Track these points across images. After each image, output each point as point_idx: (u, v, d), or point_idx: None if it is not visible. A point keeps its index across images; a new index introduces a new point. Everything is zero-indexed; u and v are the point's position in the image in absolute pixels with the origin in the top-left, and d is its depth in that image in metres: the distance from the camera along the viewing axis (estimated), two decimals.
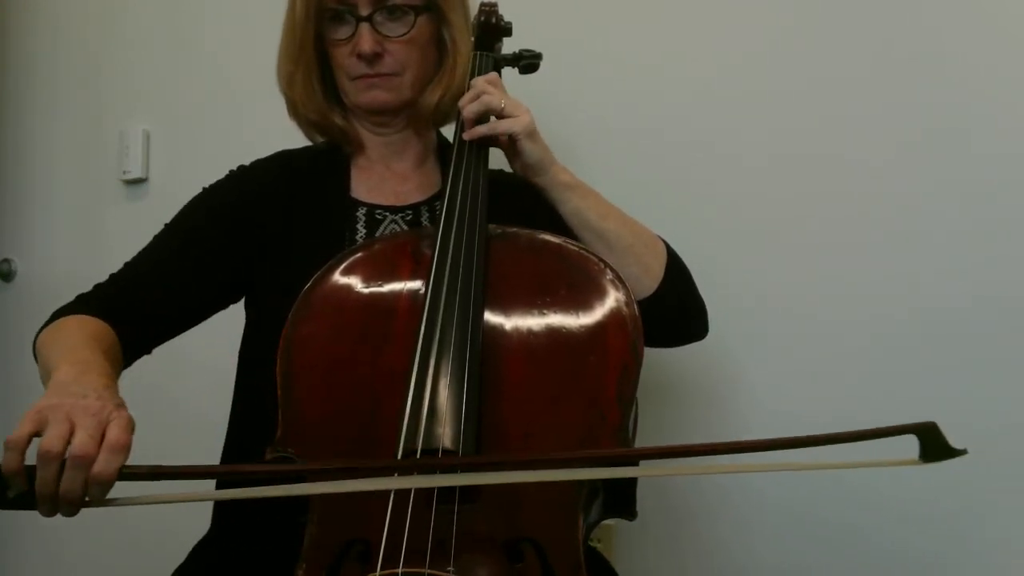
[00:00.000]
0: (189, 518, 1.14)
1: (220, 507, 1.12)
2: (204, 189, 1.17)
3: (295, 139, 1.23)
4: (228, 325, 1.17)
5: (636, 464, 0.94)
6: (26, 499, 0.75)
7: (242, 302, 1.17)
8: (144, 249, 1.12)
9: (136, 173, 1.98)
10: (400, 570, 0.79)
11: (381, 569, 0.79)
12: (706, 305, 1.12)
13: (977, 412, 1.26)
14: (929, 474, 1.27)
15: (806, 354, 1.39)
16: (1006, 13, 1.28)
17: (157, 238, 1.13)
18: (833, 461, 0.76)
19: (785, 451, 0.75)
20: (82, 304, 1.04)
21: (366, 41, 1.09)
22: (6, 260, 2.18)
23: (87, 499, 0.75)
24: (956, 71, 1.30)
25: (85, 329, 0.98)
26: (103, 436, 0.75)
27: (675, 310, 1.08)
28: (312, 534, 0.86)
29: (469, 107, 1.07)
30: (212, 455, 1.12)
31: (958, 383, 1.28)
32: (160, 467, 0.75)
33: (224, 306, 1.15)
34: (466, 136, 1.08)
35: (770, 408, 1.40)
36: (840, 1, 1.39)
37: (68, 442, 0.74)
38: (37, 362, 0.98)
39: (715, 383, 1.45)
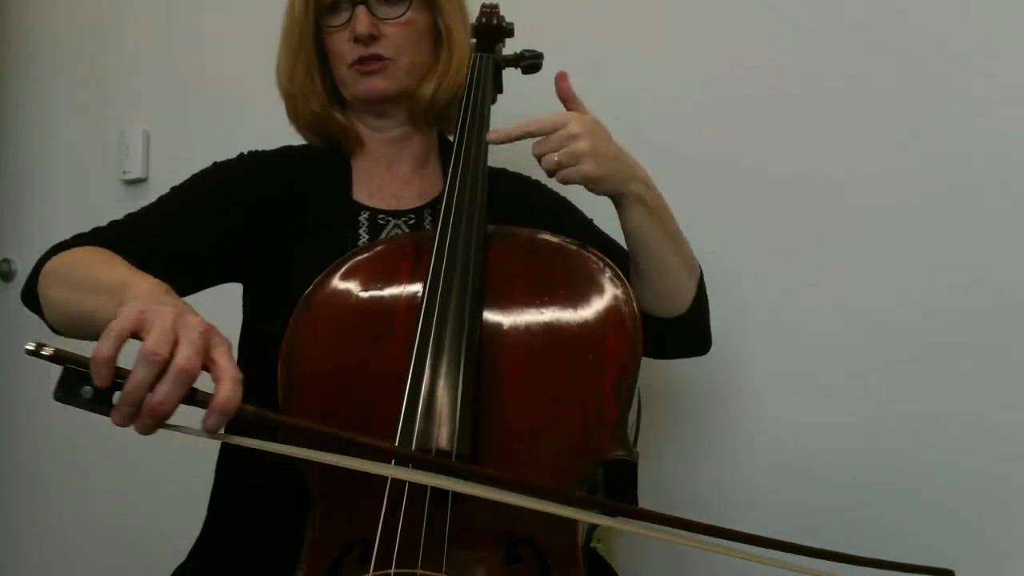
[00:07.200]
0: (189, 518, 1.14)
1: (215, 507, 1.12)
2: (215, 164, 1.17)
3: (295, 140, 1.23)
4: (225, 323, 1.16)
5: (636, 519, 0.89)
6: (102, 400, 0.69)
7: (239, 303, 1.17)
8: (148, 208, 1.11)
9: (136, 173, 1.98)
10: (392, 571, 0.78)
11: (375, 569, 0.79)
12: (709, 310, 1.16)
13: (979, 415, 1.26)
14: (934, 474, 1.29)
15: (810, 358, 1.38)
16: (1007, 15, 1.28)
17: (162, 200, 1.12)
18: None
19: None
20: (85, 240, 1.01)
21: (362, 23, 1.10)
22: (6, 260, 2.18)
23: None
24: (958, 74, 1.30)
25: (122, 260, 0.93)
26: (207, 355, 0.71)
27: (691, 334, 1.13)
28: (312, 535, 0.86)
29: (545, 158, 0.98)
30: (208, 453, 1.12)
31: (961, 388, 1.28)
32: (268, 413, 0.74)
33: (213, 283, 1.13)
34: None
35: (773, 413, 1.40)
36: (841, 8, 1.39)
37: (172, 351, 0.70)
38: (38, 285, 0.96)
39: (717, 387, 1.44)
